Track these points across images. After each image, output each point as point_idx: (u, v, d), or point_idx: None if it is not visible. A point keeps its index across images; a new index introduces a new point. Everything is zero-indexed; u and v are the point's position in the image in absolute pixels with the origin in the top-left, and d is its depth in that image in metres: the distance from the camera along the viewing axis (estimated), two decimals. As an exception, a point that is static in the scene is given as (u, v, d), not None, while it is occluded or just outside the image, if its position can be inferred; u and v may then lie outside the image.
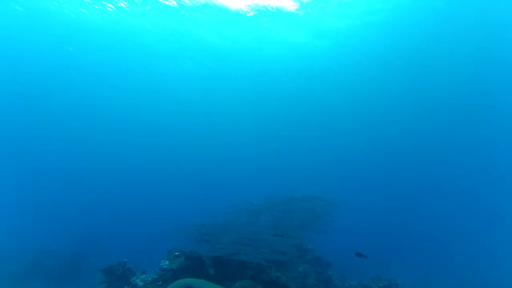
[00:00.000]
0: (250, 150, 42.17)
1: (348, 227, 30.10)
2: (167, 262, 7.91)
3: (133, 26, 16.98)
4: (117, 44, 19.22)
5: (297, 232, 11.54)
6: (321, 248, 13.34)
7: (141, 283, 7.96)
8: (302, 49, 18.62)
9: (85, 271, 15.49)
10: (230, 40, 18.14)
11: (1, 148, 36.50)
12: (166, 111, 32.62)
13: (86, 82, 25.71)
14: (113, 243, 20.47)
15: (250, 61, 21.30)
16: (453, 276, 22.48)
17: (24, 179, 39.01)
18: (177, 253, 8.16)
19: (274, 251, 9.35)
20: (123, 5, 14.85)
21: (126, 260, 9.00)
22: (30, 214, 27.79)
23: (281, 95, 26.71)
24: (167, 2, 14.58)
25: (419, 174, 37.34)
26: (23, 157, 38.64)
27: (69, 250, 15.91)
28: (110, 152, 42.02)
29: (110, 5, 14.95)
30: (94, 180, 42.39)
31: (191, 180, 44.86)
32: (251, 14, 15.03)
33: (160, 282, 7.73)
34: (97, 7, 15.07)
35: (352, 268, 15.90)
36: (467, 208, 38.50)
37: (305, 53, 19.11)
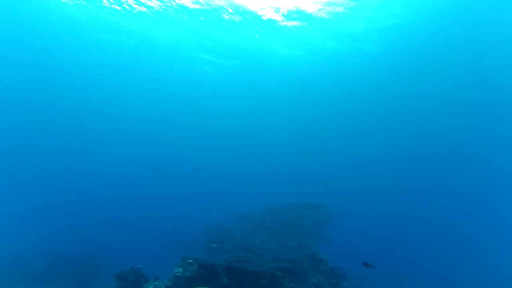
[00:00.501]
0: (255, 153, 42.31)
1: (362, 237, 29.49)
2: (181, 270, 7.85)
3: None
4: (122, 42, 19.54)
5: (303, 240, 11.43)
6: (335, 258, 13.00)
7: (154, 290, 7.93)
8: (319, 51, 18.54)
9: (99, 275, 15.75)
10: (250, 42, 18.22)
11: (18, 154, 38.03)
12: (174, 114, 32.95)
13: (105, 86, 26.26)
14: (125, 247, 20.74)
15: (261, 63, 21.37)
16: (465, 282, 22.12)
17: (42, 186, 40.47)
18: (190, 261, 8.10)
19: (278, 259, 9.27)
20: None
21: (139, 266, 9.03)
22: (48, 219, 28.67)
23: (287, 97, 26.63)
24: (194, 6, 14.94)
25: (431, 181, 36.56)
26: (41, 164, 40.11)
27: (84, 254, 16.21)
28: (124, 158, 43.03)
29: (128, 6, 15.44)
30: (108, 186, 43.51)
31: (198, 186, 45.46)
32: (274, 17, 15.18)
33: (173, 290, 7.67)
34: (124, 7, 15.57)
35: (367, 279, 15.38)
36: (474, 211, 37.78)
37: (321, 55, 18.89)
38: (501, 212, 37.47)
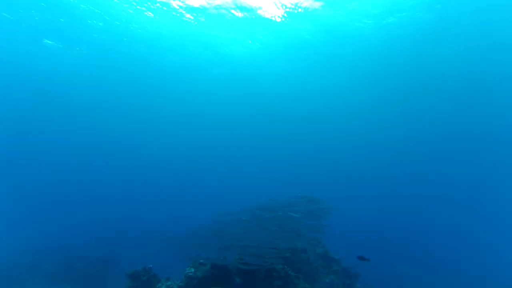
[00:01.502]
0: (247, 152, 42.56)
1: (373, 236, 29.05)
2: (193, 270, 7.76)
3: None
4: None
5: (297, 234, 11.10)
6: (347, 258, 12.77)
7: (166, 291, 7.86)
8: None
9: (110, 275, 15.87)
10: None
11: (31, 157, 38.73)
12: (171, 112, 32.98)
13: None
14: (132, 247, 20.87)
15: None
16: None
17: (54, 186, 41.24)
18: (202, 261, 8.00)
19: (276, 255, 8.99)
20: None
21: (151, 266, 8.97)
22: (61, 218, 29.14)
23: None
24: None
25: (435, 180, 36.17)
26: (56, 164, 40.85)
27: (96, 254, 16.35)
28: (135, 158, 43.60)
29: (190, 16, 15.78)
30: (119, 186, 44.07)
31: (193, 183, 45.98)
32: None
33: (186, 290, 7.59)
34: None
35: (380, 279, 15.08)
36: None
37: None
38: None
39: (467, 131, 26.77)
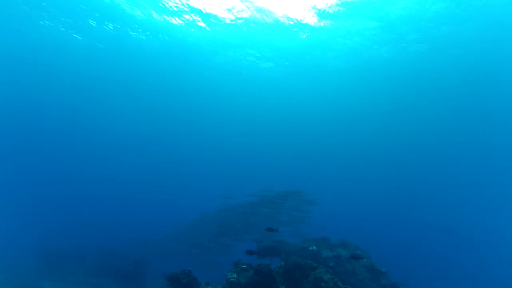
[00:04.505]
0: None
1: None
2: (235, 275, 7.38)
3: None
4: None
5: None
6: (397, 271, 11.60)
7: (207, 295, 7.57)
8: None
9: (146, 274, 16.19)
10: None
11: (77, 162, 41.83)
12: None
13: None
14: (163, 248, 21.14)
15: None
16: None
17: (94, 190, 44.10)
18: (244, 266, 7.61)
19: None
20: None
21: (191, 268, 8.78)
22: (102, 219, 30.88)
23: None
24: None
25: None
26: (102, 169, 43.90)
27: (134, 253, 16.81)
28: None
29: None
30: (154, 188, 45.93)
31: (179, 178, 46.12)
32: None
33: (228, 296, 7.22)
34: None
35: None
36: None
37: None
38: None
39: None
